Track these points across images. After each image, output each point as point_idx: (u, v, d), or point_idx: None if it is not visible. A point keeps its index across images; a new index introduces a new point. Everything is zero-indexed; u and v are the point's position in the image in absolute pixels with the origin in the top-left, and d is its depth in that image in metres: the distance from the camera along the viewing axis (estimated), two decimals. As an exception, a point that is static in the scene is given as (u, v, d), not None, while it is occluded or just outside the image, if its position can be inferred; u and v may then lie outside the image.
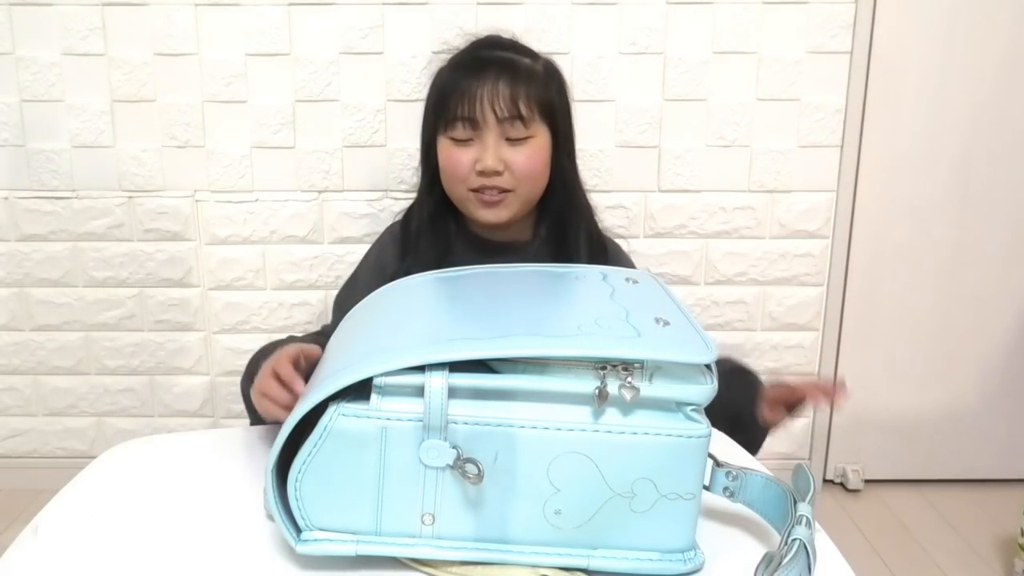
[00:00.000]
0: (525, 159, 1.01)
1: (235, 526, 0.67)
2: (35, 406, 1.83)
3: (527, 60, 1.04)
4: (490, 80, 1.00)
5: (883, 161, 1.72)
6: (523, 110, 1.00)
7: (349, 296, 1.12)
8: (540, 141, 1.02)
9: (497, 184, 1.01)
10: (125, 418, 1.83)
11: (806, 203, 1.73)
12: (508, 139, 1.01)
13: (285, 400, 0.72)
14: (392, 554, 0.60)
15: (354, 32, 1.62)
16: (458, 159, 1.02)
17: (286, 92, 1.65)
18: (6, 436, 1.85)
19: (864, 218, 1.74)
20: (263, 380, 0.76)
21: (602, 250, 1.10)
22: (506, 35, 1.12)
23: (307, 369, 0.76)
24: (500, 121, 1.00)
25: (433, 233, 1.08)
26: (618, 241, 1.16)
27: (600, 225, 1.13)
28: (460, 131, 1.02)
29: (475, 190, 1.02)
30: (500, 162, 1.00)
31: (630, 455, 0.58)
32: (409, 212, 1.14)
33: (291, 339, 1.00)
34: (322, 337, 0.87)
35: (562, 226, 1.08)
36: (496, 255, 1.04)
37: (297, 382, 0.72)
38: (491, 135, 1.00)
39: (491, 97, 0.99)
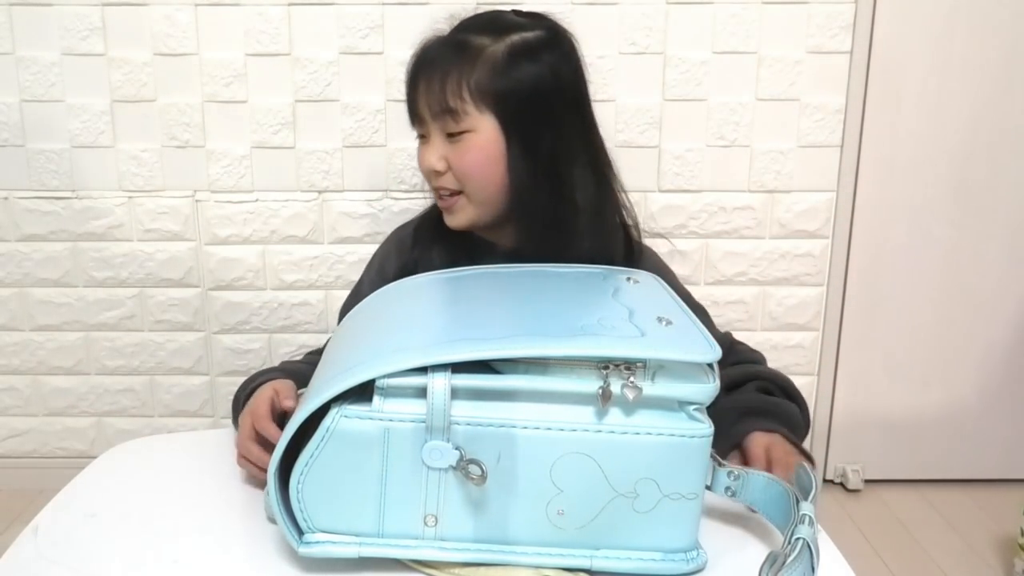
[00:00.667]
0: (459, 157, 0.89)
1: (236, 527, 0.67)
2: (35, 406, 1.83)
3: (482, 40, 0.89)
4: (425, 70, 0.90)
5: (883, 161, 1.72)
6: (451, 102, 0.87)
7: (353, 305, 1.07)
8: (480, 137, 0.88)
9: (443, 185, 0.92)
10: (125, 418, 1.83)
11: (806, 203, 1.73)
12: (449, 134, 0.90)
13: (266, 465, 0.72)
14: (395, 556, 0.60)
15: (354, 32, 1.62)
16: (419, 158, 0.94)
17: (286, 92, 1.65)
18: (6, 436, 1.85)
19: (864, 218, 1.74)
20: (244, 443, 0.76)
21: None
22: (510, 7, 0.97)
23: (280, 411, 0.77)
24: (435, 116, 0.89)
25: (437, 231, 0.99)
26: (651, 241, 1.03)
27: (629, 230, 1.00)
28: (416, 127, 0.93)
29: (435, 189, 0.94)
30: (440, 160, 0.90)
31: (633, 455, 0.57)
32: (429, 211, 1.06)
33: (282, 365, 0.98)
34: (317, 357, 0.88)
35: (534, 233, 0.93)
36: (482, 257, 0.94)
37: (278, 435, 0.72)
38: (433, 131, 0.90)
39: (425, 89, 0.89)
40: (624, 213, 0.99)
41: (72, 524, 0.68)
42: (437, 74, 0.88)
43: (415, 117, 0.92)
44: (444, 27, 0.94)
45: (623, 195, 0.99)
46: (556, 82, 0.91)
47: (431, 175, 0.93)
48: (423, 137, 0.93)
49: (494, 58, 0.88)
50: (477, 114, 0.88)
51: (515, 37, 0.89)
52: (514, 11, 0.95)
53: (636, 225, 1.01)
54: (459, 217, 0.94)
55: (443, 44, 0.91)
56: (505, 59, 0.88)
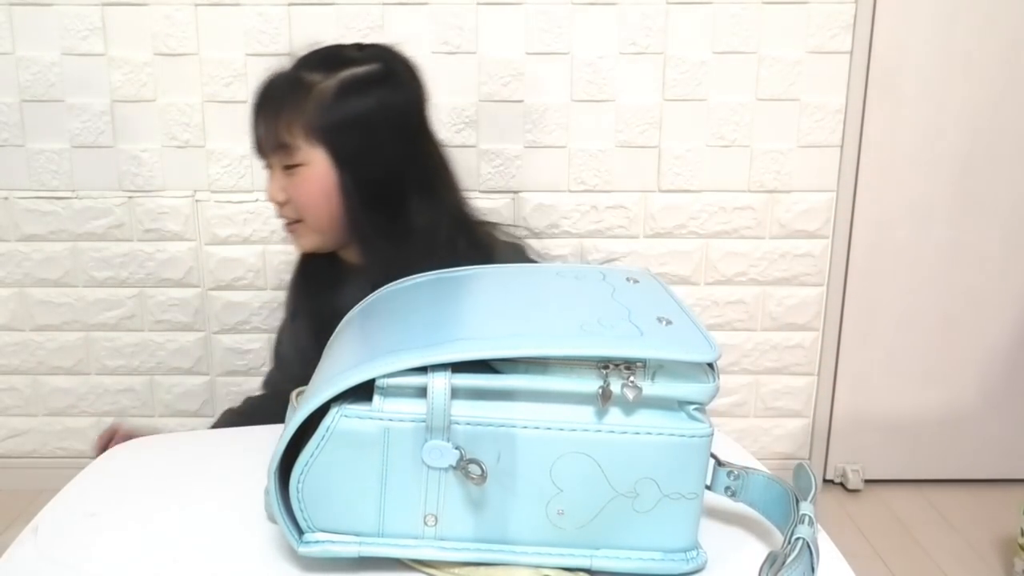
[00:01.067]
0: (296, 189, 0.94)
1: (236, 527, 0.67)
2: (35, 406, 1.83)
3: (314, 77, 0.93)
4: (263, 106, 0.95)
5: (883, 161, 1.72)
6: (284, 138, 0.92)
7: (279, 338, 1.14)
8: (312, 170, 0.93)
9: (285, 214, 0.97)
10: (125, 418, 1.83)
11: (806, 203, 1.73)
12: (286, 167, 0.94)
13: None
14: (395, 555, 0.60)
15: (354, 32, 1.62)
16: (266, 187, 0.98)
17: (286, 92, 1.65)
18: (6, 436, 1.85)
19: (864, 218, 1.74)
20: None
21: None
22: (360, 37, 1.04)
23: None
24: (272, 150, 0.94)
25: (306, 253, 1.04)
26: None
27: (478, 239, 1.03)
28: (260, 158, 0.98)
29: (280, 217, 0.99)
30: (280, 192, 0.95)
31: (633, 455, 0.57)
32: None
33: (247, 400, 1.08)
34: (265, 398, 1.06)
35: (375, 258, 0.97)
36: (338, 276, 1.01)
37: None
38: (273, 164, 0.96)
39: (263, 125, 0.95)
40: (470, 224, 1.02)
41: (72, 524, 0.68)
42: (272, 111, 0.93)
43: (258, 150, 0.97)
44: (287, 63, 0.97)
45: (469, 207, 1.03)
46: (385, 115, 0.95)
47: (274, 205, 0.98)
48: (268, 168, 0.97)
49: (324, 95, 0.92)
50: (309, 149, 0.92)
51: (346, 73, 0.93)
52: (356, 45, 0.99)
53: (490, 230, 1.05)
54: (302, 243, 1.00)
55: (280, 81, 0.95)
56: (334, 96, 0.92)
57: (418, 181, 0.97)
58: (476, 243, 1.02)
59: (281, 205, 0.97)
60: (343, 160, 0.93)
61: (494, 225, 1.07)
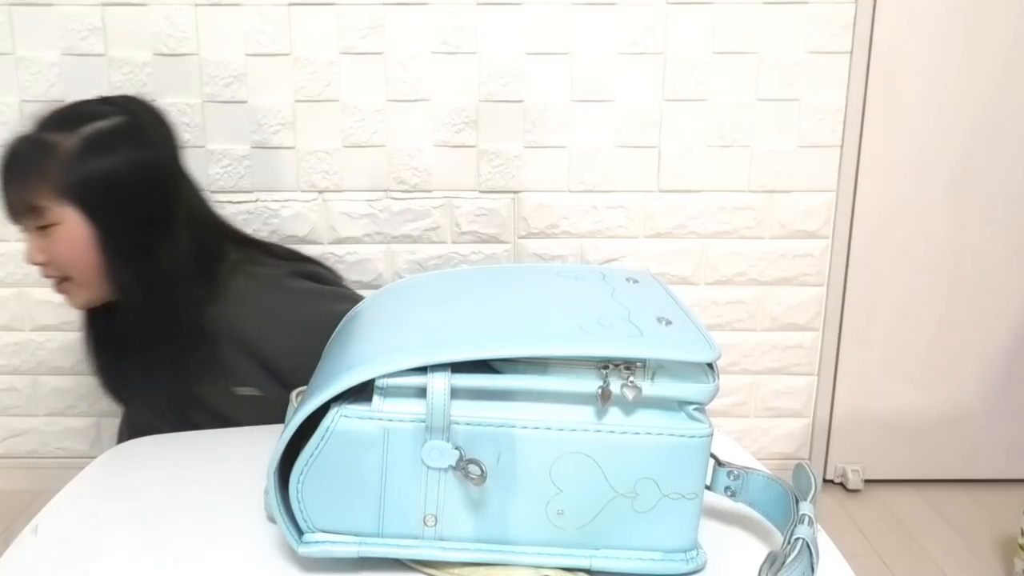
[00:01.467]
0: (53, 248, 0.95)
1: (236, 527, 0.67)
2: (35, 406, 1.83)
3: (55, 137, 0.93)
4: (7, 172, 0.95)
5: (883, 161, 1.72)
6: (32, 201, 0.93)
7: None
8: (67, 228, 0.94)
9: (49, 274, 0.98)
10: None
11: (806, 203, 1.73)
12: (40, 228, 0.95)
13: None
14: (394, 555, 0.60)
15: (354, 32, 1.62)
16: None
17: (286, 92, 1.65)
18: (6, 436, 1.85)
19: (864, 218, 1.74)
20: None
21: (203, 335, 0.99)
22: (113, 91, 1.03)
23: None
24: (23, 214, 0.95)
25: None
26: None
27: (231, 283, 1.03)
28: (14, 223, 0.97)
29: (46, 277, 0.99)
30: (39, 253, 0.96)
31: (632, 455, 0.58)
32: None
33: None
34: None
35: (133, 304, 0.99)
36: (105, 315, 1.03)
37: None
38: (28, 226, 0.96)
39: (11, 190, 0.95)
40: (212, 265, 1.03)
41: (72, 524, 0.68)
42: (18, 175, 0.94)
43: (10, 214, 0.97)
44: (28, 125, 0.97)
45: (220, 247, 1.06)
46: (132, 166, 0.96)
47: (37, 267, 0.98)
48: (24, 231, 0.97)
49: (67, 153, 0.92)
50: (59, 208, 0.93)
51: (89, 129, 0.94)
52: (102, 99, 0.99)
53: (237, 269, 1.05)
54: (75, 300, 1.01)
55: (23, 145, 0.95)
56: (78, 153, 0.92)
57: (170, 228, 0.99)
58: (212, 285, 1.02)
59: (43, 266, 0.97)
60: (95, 215, 0.94)
61: (250, 262, 1.07)
